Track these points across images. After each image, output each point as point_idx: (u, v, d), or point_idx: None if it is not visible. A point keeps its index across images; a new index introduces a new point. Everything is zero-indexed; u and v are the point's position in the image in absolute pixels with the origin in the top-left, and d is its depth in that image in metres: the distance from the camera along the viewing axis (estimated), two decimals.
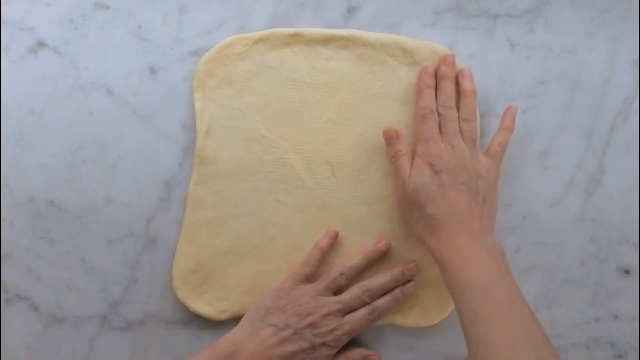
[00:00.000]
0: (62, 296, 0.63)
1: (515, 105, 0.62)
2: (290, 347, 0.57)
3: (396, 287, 0.61)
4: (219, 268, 0.62)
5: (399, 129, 0.60)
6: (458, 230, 0.55)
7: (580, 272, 0.63)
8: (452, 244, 0.55)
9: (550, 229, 0.63)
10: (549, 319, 0.63)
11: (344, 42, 0.62)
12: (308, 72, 0.62)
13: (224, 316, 0.62)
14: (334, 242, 0.62)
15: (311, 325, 0.58)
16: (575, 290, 0.63)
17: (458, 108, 0.60)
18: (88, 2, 0.63)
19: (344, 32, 0.62)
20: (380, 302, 0.60)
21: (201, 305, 0.62)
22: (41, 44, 0.63)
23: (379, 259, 0.62)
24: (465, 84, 0.61)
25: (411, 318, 0.62)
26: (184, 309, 0.63)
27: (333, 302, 0.59)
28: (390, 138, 0.60)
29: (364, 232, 0.62)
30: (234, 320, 0.61)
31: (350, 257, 0.62)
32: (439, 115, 0.59)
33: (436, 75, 0.61)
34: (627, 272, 0.63)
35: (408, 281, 0.61)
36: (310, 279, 0.61)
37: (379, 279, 0.60)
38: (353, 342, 0.62)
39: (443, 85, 0.60)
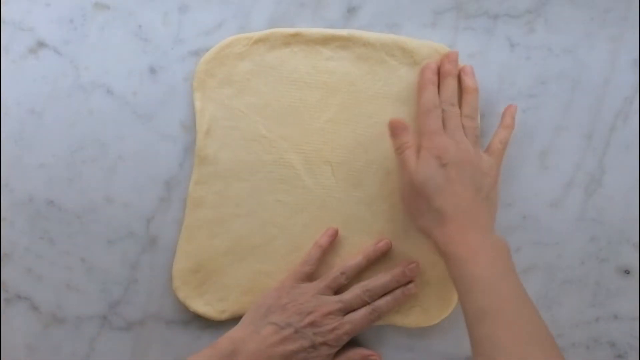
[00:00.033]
0: (62, 296, 0.63)
1: (515, 104, 0.62)
2: (291, 346, 0.57)
3: (397, 287, 0.61)
4: (219, 268, 0.62)
5: (403, 121, 0.59)
6: (466, 224, 0.55)
7: (580, 272, 0.63)
8: (460, 238, 0.54)
9: (550, 229, 0.63)
10: (549, 319, 0.63)
11: (344, 42, 0.62)
12: (308, 72, 0.62)
13: (224, 316, 0.62)
14: (334, 241, 0.62)
15: (312, 324, 0.58)
16: (575, 290, 0.63)
17: (460, 105, 0.60)
18: (88, 2, 0.63)
19: (344, 32, 0.62)
20: (381, 302, 0.60)
21: (201, 305, 0.62)
22: (41, 44, 0.63)
23: (379, 259, 0.62)
24: (468, 81, 0.60)
25: (411, 318, 0.62)
26: (184, 309, 0.63)
27: (334, 302, 0.59)
28: (396, 129, 0.59)
29: (363, 231, 0.62)
30: (234, 320, 0.61)
31: (350, 256, 0.62)
32: (442, 111, 0.59)
33: (438, 73, 0.61)
34: (627, 272, 0.63)
35: (409, 282, 0.61)
36: (310, 277, 0.61)
37: (380, 279, 0.60)
38: (353, 342, 0.62)
39: (446, 82, 0.60)
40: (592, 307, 0.63)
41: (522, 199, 0.63)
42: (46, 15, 0.63)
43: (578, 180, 0.63)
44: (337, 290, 0.61)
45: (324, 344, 0.58)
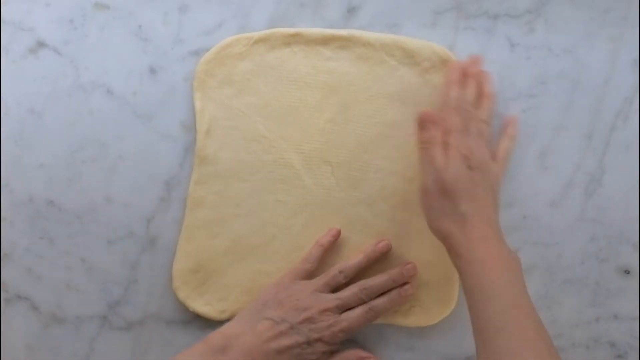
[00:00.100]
0: (62, 296, 0.63)
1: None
2: (285, 341, 0.57)
3: (394, 287, 0.61)
4: (219, 268, 0.62)
5: (435, 113, 0.58)
6: (490, 235, 0.54)
7: (580, 272, 0.63)
8: (485, 248, 0.53)
9: (550, 229, 0.63)
10: (549, 319, 0.63)
11: (344, 42, 0.62)
12: (308, 72, 0.62)
13: (224, 316, 0.62)
14: (336, 241, 0.62)
15: (308, 320, 0.58)
16: (575, 290, 0.63)
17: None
18: (88, 2, 0.63)
19: (344, 32, 0.62)
20: (378, 301, 0.60)
21: (201, 305, 0.62)
22: (41, 44, 0.63)
23: (379, 259, 0.62)
24: (487, 87, 0.61)
25: (411, 318, 0.62)
26: (184, 309, 0.63)
27: (331, 299, 0.59)
28: (425, 122, 0.58)
29: (364, 232, 0.62)
30: None
31: (350, 256, 0.62)
32: (464, 111, 0.58)
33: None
34: (627, 272, 0.63)
35: (406, 282, 0.61)
36: (310, 275, 0.61)
37: (378, 278, 0.60)
38: (352, 342, 0.62)
39: (470, 84, 0.60)
40: (592, 307, 0.63)
41: (522, 199, 0.63)
42: (46, 15, 0.63)
43: (578, 180, 0.63)
44: (336, 289, 0.61)
45: (319, 340, 0.58)
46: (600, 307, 0.63)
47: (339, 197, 0.62)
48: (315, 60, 0.62)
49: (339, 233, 0.62)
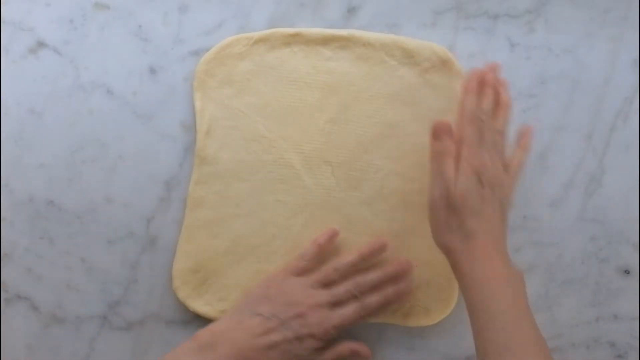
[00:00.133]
0: (62, 296, 0.63)
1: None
2: (275, 337, 0.56)
3: (389, 285, 0.60)
4: (219, 268, 0.62)
5: (450, 123, 0.56)
6: (495, 254, 0.53)
7: (580, 272, 0.63)
8: (488, 268, 0.52)
9: (550, 229, 0.63)
10: (549, 319, 0.63)
11: (344, 42, 0.62)
12: (308, 72, 0.62)
13: None
14: (333, 241, 0.61)
15: (298, 315, 0.57)
16: (575, 290, 0.63)
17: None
18: (88, 2, 0.63)
19: (344, 32, 0.62)
20: (372, 299, 0.59)
21: (201, 305, 0.62)
22: (41, 44, 0.63)
23: (374, 257, 0.61)
24: (505, 96, 0.59)
25: (411, 318, 0.62)
26: (184, 309, 0.62)
27: (323, 294, 0.58)
28: (439, 131, 0.56)
29: (364, 232, 0.62)
30: None
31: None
32: (481, 121, 0.56)
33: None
34: (627, 272, 0.63)
35: (402, 281, 0.60)
36: (304, 273, 0.60)
37: (371, 274, 0.60)
38: (351, 340, 0.62)
39: (487, 93, 0.58)
40: (592, 307, 0.63)
41: (522, 199, 0.63)
42: (46, 15, 0.63)
43: (578, 180, 0.63)
44: (329, 287, 0.60)
45: (310, 336, 0.57)
46: (600, 307, 0.63)
47: (339, 197, 0.62)
48: (315, 60, 0.62)
49: (336, 233, 0.61)
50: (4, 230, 0.63)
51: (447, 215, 0.55)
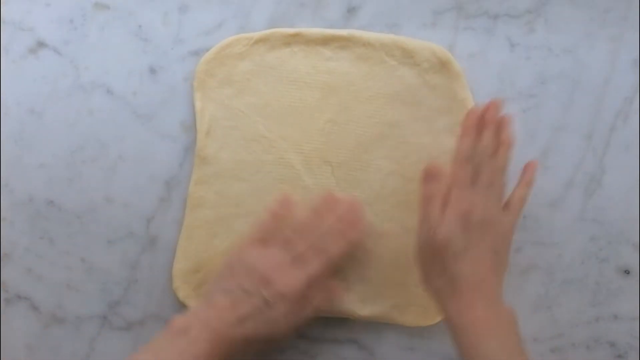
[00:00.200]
0: (62, 296, 0.63)
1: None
2: (243, 309, 0.55)
3: (347, 228, 0.59)
4: (218, 268, 0.62)
5: (442, 166, 0.57)
6: (480, 298, 0.52)
7: (580, 272, 0.63)
8: (474, 313, 0.52)
9: (550, 229, 0.63)
10: (549, 319, 0.63)
11: (344, 42, 0.62)
12: (308, 72, 0.62)
13: None
14: (289, 207, 0.59)
15: (263, 280, 0.55)
16: (575, 290, 0.63)
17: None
18: (88, 2, 0.63)
19: (344, 32, 0.62)
20: (333, 246, 0.57)
21: None
22: (41, 44, 0.63)
23: (329, 210, 0.59)
24: (507, 134, 0.57)
25: (411, 317, 0.62)
26: (184, 309, 0.62)
27: (282, 253, 0.57)
28: (429, 175, 0.57)
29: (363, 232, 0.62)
30: None
31: (348, 256, 0.61)
32: (478, 161, 0.56)
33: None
34: (627, 272, 0.63)
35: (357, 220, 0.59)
36: (264, 243, 0.58)
37: (324, 220, 0.58)
38: (352, 342, 0.62)
39: (488, 131, 0.57)
40: (592, 307, 0.63)
41: None
42: (46, 15, 0.63)
43: (578, 180, 0.63)
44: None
45: (280, 298, 0.55)
46: (600, 307, 0.63)
47: None
48: (315, 60, 0.62)
49: (288, 198, 0.60)
50: (4, 230, 0.63)
51: (432, 260, 0.55)
